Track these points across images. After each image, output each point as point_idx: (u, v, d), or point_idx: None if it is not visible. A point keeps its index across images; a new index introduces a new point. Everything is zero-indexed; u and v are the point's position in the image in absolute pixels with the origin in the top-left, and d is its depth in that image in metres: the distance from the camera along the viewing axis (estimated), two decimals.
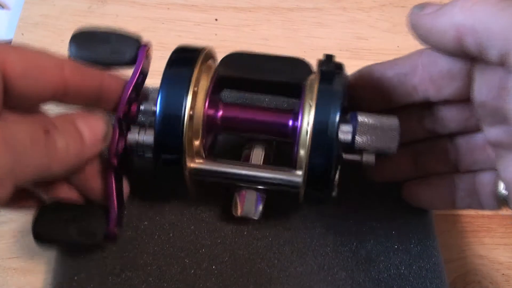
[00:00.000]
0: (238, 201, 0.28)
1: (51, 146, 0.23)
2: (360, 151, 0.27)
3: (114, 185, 0.26)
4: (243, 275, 0.30)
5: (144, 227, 0.31)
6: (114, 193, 0.26)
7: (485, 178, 0.29)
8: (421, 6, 0.25)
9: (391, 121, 0.26)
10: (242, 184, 0.28)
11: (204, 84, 0.27)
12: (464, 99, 0.27)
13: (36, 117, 0.24)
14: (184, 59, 0.27)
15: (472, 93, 0.26)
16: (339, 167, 0.27)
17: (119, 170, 0.27)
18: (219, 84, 0.29)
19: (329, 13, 0.45)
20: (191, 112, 0.26)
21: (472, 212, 0.36)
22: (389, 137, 0.26)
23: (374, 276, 0.30)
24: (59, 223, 0.26)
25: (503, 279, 0.34)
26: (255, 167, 0.28)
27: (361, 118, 0.26)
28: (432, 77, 0.27)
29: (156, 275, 0.29)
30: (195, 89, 0.26)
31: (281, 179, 0.27)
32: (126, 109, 0.27)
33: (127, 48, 0.28)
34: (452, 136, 0.29)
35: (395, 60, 0.29)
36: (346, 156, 0.27)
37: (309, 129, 0.25)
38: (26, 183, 0.22)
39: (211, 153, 0.30)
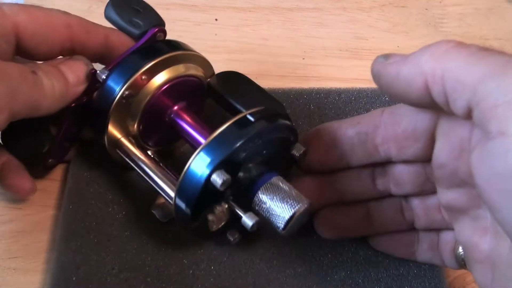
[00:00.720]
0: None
1: (39, 83, 0.26)
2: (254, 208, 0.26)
3: (64, 123, 0.30)
4: (242, 275, 0.30)
5: (143, 227, 0.31)
6: (62, 129, 0.30)
7: (447, 236, 0.28)
8: (386, 56, 0.24)
9: (291, 207, 0.25)
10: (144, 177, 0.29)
11: (165, 76, 0.29)
12: (424, 160, 0.26)
13: (23, 62, 0.27)
14: (156, 50, 0.29)
15: (433, 154, 0.25)
16: (219, 209, 0.27)
17: (76, 115, 0.30)
18: (203, 91, 0.31)
19: (329, 13, 0.45)
20: (126, 92, 0.28)
21: None
22: (279, 218, 0.25)
23: (373, 277, 0.30)
24: (17, 134, 0.29)
25: None
26: (154, 167, 0.29)
27: (271, 183, 0.26)
28: (396, 137, 0.26)
29: (154, 275, 0.29)
30: (143, 77, 0.28)
31: (162, 188, 0.28)
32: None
33: (142, 25, 0.29)
34: (407, 196, 0.29)
35: (356, 118, 0.28)
36: (233, 204, 0.27)
37: (190, 161, 0.25)
38: (19, 115, 0.25)
39: (156, 145, 0.32)
